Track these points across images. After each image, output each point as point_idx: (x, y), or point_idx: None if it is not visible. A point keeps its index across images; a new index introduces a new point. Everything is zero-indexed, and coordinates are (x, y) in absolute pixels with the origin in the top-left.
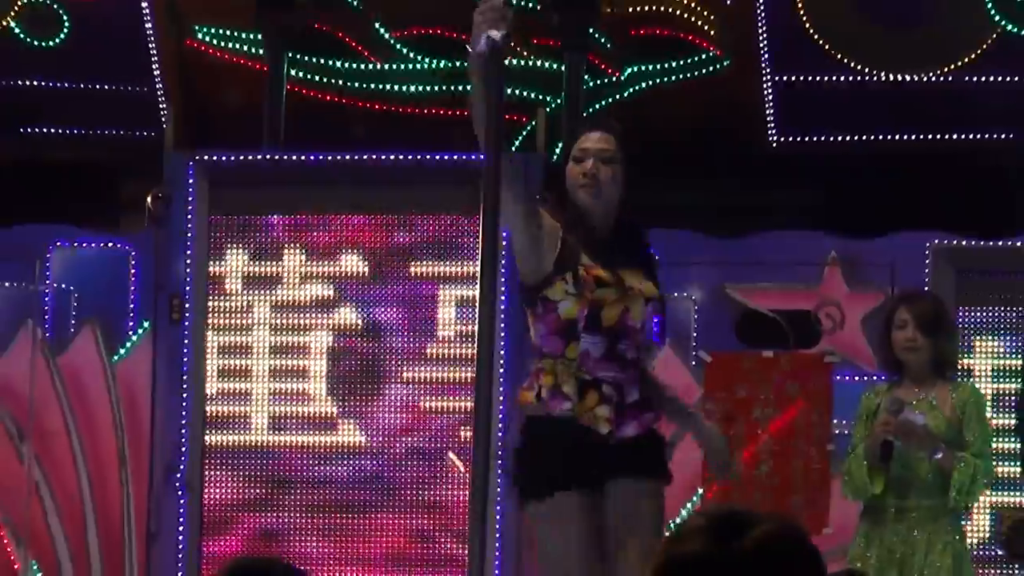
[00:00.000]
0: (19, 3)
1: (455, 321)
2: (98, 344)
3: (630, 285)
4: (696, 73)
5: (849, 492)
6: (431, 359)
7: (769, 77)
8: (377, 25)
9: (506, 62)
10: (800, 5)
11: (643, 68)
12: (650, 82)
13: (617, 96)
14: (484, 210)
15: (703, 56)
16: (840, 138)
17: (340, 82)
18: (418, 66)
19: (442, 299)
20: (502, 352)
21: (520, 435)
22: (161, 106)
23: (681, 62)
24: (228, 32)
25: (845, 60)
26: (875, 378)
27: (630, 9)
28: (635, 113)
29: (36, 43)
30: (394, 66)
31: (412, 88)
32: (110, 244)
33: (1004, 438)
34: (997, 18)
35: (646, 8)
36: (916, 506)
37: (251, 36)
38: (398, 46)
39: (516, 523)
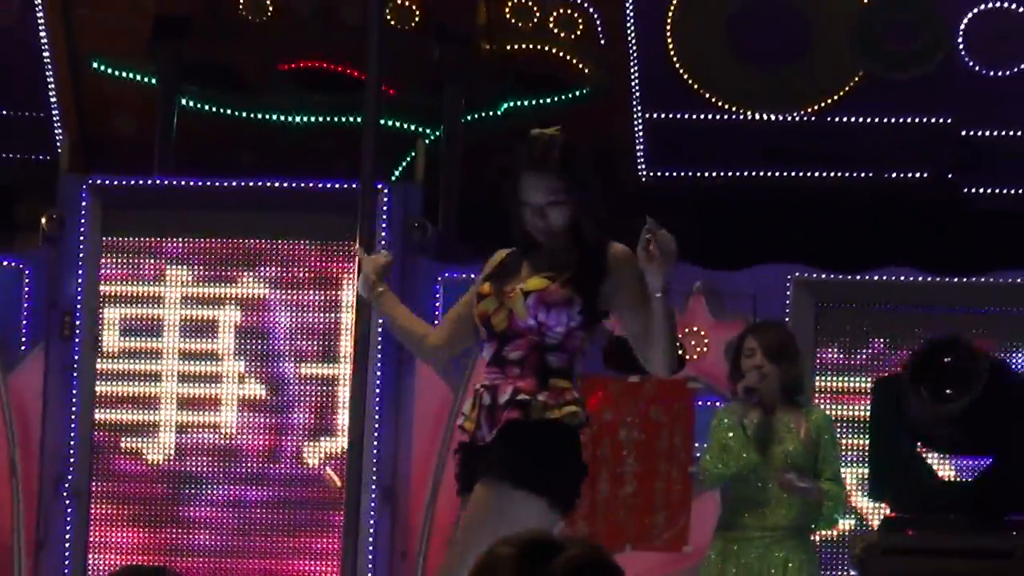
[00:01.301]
0: None
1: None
2: None
3: (511, 288)
4: (571, 107)
5: (710, 480)
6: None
7: (640, 113)
8: (267, 56)
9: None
10: (671, 45)
11: (518, 102)
12: (526, 116)
13: (490, 112)
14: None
15: (577, 93)
16: (707, 173)
17: (229, 111)
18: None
19: (324, 324)
20: (378, 375)
21: None
22: (57, 130)
23: (555, 97)
24: (122, 60)
25: (713, 99)
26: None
27: (508, 46)
28: (510, 146)
29: None
30: (280, 97)
31: (297, 118)
32: (5, 262)
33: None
34: (859, 61)
35: (522, 44)
36: (774, 525)
37: (145, 65)
38: (283, 79)
39: (390, 537)
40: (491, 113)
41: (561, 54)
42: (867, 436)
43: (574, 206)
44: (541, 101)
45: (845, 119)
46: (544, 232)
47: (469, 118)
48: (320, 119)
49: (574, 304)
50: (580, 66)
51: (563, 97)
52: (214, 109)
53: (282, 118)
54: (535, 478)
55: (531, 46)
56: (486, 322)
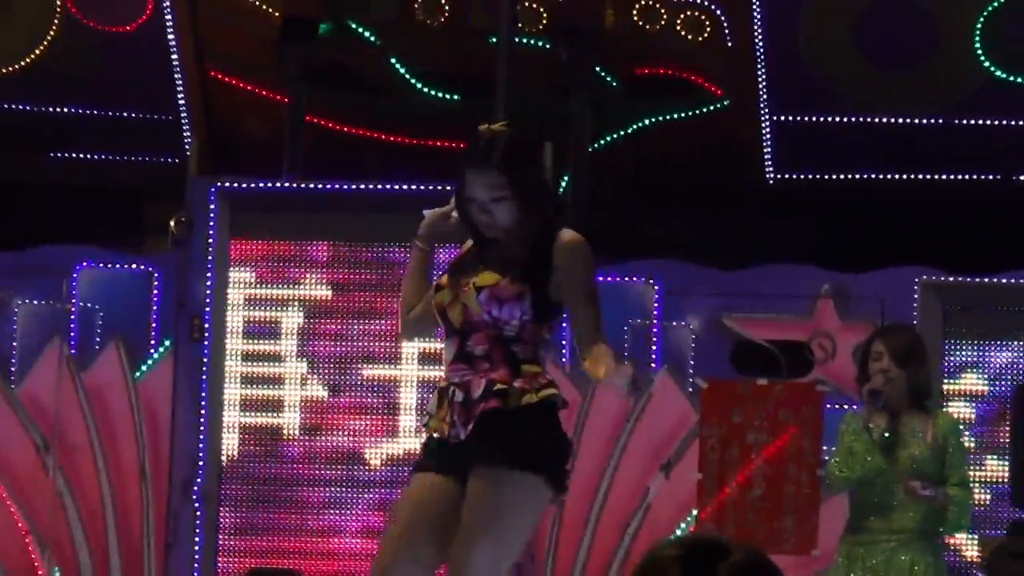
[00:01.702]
0: (51, 32)
1: None
2: (121, 361)
3: (465, 282)
4: (697, 111)
5: (836, 485)
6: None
7: (767, 116)
8: (393, 60)
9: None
10: (800, 47)
11: (646, 105)
12: (653, 119)
13: (621, 132)
14: None
15: (704, 95)
16: (834, 176)
17: (358, 114)
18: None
19: None
20: None
21: None
22: (185, 134)
23: (683, 100)
24: (250, 64)
25: (841, 101)
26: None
27: (634, 49)
28: (638, 149)
29: (65, 71)
30: (408, 100)
31: (425, 121)
32: (134, 265)
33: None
34: (986, 63)
35: (650, 48)
36: (900, 528)
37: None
38: (412, 80)
39: None
40: (623, 133)
41: (688, 56)
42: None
43: (520, 202)
44: (667, 103)
45: (973, 121)
46: (490, 228)
47: (603, 141)
48: (448, 122)
49: (524, 298)
50: (708, 68)
51: (689, 100)
52: (342, 112)
53: (410, 120)
54: (529, 458)
55: (658, 47)
56: (443, 315)
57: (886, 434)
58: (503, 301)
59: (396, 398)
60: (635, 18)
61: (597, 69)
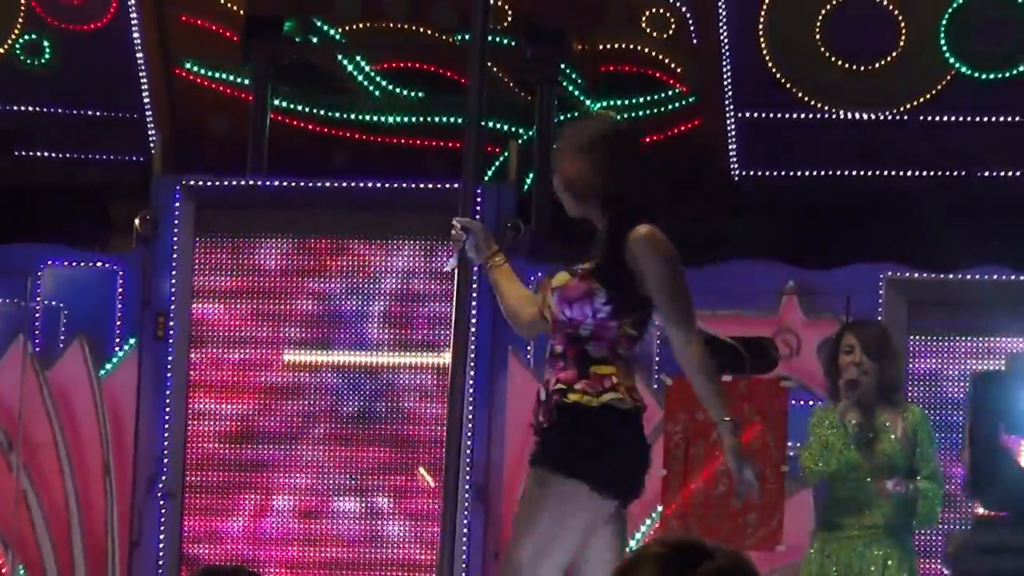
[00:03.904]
0: (15, 31)
1: (435, 341)
2: (86, 359)
3: (549, 284)
4: (663, 109)
5: (811, 478)
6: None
7: (732, 113)
8: (358, 58)
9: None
10: (764, 44)
11: (612, 103)
12: (618, 116)
13: None
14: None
15: (670, 92)
16: (799, 173)
17: (322, 112)
18: (395, 97)
19: (418, 317)
20: (471, 375)
21: None
22: (150, 132)
23: (649, 98)
24: (215, 62)
25: (806, 98)
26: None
27: (600, 46)
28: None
29: (30, 69)
30: (373, 97)
31: (390, 119)
32: (99, 263)
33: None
34: (952, 60)
35: (615, 45)
36: (872, 523)
37: (237, 67)
38: (378, 78)
39: (483, 537)
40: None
41: (654, 53)
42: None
43: (579, 162)
44: (633, 101)
45: (938, 118)
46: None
47: (561, 117)
48: (412, 119)
49: (596, 296)
50: (673, 66)
51: (655, 97)
52: (306, 109)
53: (374, 118)
54: (570, 463)
55: (624, 45)
56: (544, 316)
57: (860, 429)
58: (572, 300)
59: None
60: (600, 15)
61: (562, 66)
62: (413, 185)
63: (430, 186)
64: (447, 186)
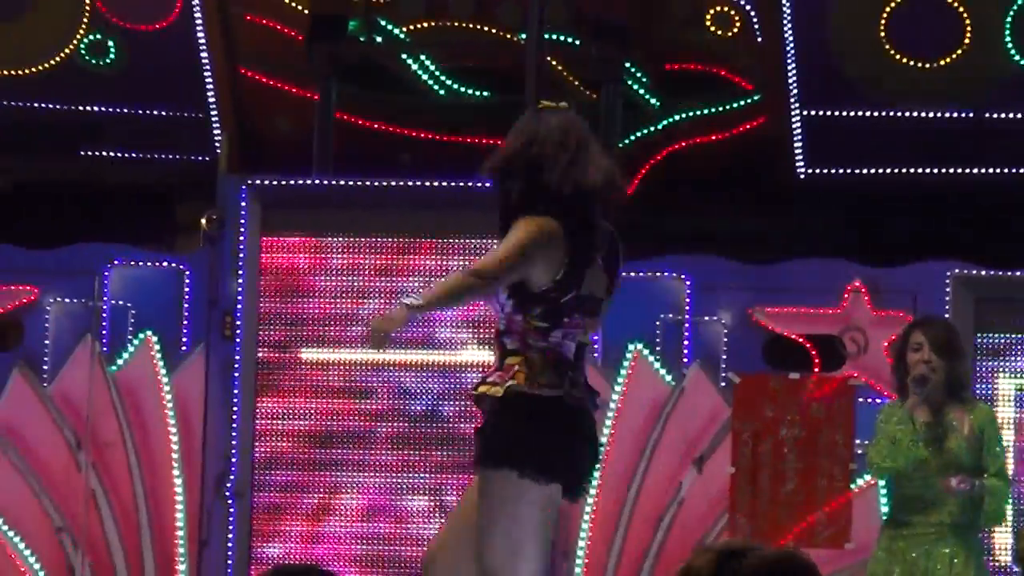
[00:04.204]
0: (80, 31)
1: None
2: (153, 358)
3: None
4: (727, 107)
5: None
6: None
7: (798, 111)
8: (423, 57)
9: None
10: (830, 41)
11: (676, 101)
12: (683, 115)
13: (651, 128)
14: None
15: (735, 90)
16: (865, 171)
17: (388, 111)
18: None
19: (487, 317)
20: None
21: None
22: (215, 131)
23: (713, 96)
24: (279, 61)
25: (870, 96)
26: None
27: (664, 44)
28: (668, 145)
29: (95, 69)
30: (438, 96)
31: (455, 117)
32: (166, 263)
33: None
34: (1016, 56)
35: (680, 43)
36: (939, 521)
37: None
38: (442, 77)
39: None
40: (653, 128)
41: (718, 52)
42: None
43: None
44: (697, 99)
45: (1002, 115)
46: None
47: (633, 137)
48: (477, 118)
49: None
50: (738, 64)
51: (720, 95)
52: (371, 108)
53: (439, 117)
54: (489, 453)
55: (688, 43)
56: None
57: (927, 426)
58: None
59: None
60: (665, 13)
61: (627, 65)
62: (479, 184)
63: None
64: None
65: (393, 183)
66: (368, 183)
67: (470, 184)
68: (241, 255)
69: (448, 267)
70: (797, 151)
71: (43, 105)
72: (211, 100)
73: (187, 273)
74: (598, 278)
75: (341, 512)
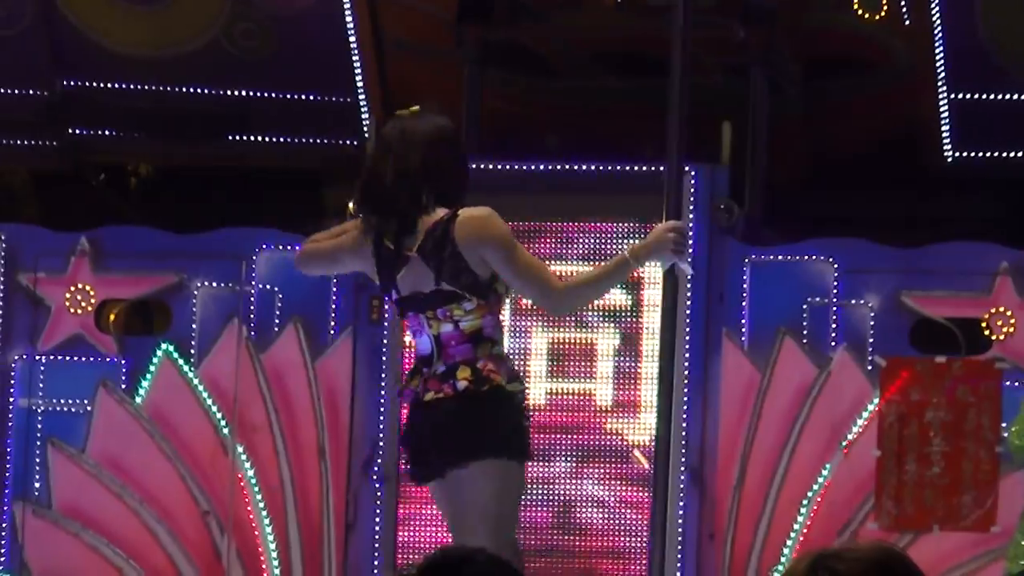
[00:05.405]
0: (225, 15)
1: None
2: (300, 343)
3: None
4: (874, 90)
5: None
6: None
7: (945, 94)
8: (568, 40)
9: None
10: (980, 23)
11: (823, 84)
12: (830, 98)
13: (798, 111)
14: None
15: (881, 73)
16: (1014, 154)
17: (534, 95)
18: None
19: (630, 303)
20: (686, 357)
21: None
22: (363, 116)
23: (860, 79)
24: (427, 44)
25: (1021, 79)
26: None
27: (812, 27)
28: (815, 126)
29: (241, 54)
30: (584, 79)
31: (602, 100)
32: None
33: None
34: None
35: (827, 26)
36: None
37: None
38: (589, 60)
39: (698, 518)
40: (800, 112)
41: (865, 32)
42: None
43: None
44: (844, 80)
45: None
46: None
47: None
48: (626, 100)
49: None
50: (885, 45)
51: (866, 76)
52: (519, 91)
53: (587, 101)
54: (503, 445)
55: (835, 24)
56: None
57: None
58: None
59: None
60: None
61: (774, 47)
62: (626, 167)
63: (642, 168)
64: (658, 168)
65: (541, 166)
66: (516, 166)
67: (617, 167)
68: None
69: (595, 249)
70: (945, 134)
71: (190, 90)
72: (359, 84)
73: None
74: None
75: None
